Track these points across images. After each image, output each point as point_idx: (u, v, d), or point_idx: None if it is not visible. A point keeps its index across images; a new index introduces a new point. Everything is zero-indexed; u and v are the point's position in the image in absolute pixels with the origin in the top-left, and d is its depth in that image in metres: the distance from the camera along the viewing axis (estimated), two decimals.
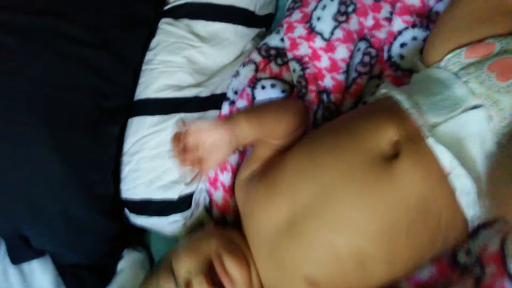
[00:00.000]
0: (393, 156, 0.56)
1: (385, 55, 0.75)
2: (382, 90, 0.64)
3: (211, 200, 0.79)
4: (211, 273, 0.63)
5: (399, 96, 0.59)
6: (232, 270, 0.63)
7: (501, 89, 0.54)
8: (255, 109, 0.72)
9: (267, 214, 0.63)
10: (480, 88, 0.56)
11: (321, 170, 0.59)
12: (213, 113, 0.81)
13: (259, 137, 0.67)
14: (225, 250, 0.64)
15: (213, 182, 0.78)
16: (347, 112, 0.70)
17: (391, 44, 0.75)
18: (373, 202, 0.56)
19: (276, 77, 0.80)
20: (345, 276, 0.58)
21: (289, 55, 0.79)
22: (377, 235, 0.56)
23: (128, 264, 0.83)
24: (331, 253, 0.57)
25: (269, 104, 0.73)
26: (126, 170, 0.80)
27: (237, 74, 0.82)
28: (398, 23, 0.74)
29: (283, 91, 0.80)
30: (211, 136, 0.59)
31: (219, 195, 0.77)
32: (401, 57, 0.74)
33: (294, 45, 0.78)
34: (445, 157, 0.55)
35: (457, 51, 0.60)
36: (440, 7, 0.74)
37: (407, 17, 0.74)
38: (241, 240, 0.67)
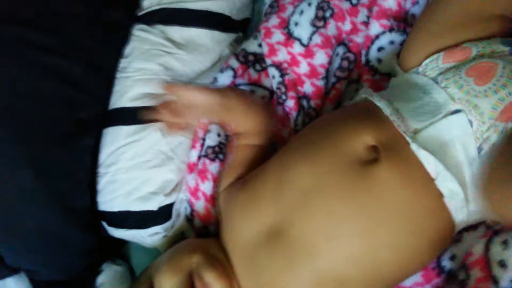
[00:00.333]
0: (371, 161, 0.56)
1: (363, 59, 0.75)
2: (362, 96, 0.64)
3: (192, 211, 0.77)
4: None
5: (380, 103, 0.59)
6: (215, 284, 0.62)
7: (479, 94, 0.55)
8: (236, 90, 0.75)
9: (247, 224, 0.63)
10: (459, 93, 0.56)
11: (299, 180, 0.59)
12: None
13: (238, 117, 0.70)
14: (205, 265, 0.64)
15: (194, 192, 0.76)
16: (325, 115, 0.69)
17: (368, 48, 0.75)
18: (351, 210, 0.55)
19: (255, 83, 0.79)
20: None
21: (268, 61, 0.78)
22: (358, 250, 0.55)
23: (107, 278, 0.81)
24: (309, 273, 0.57)
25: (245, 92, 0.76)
26: (103, 182, 0.78)
27: (214, 80, 0.81)
28: (375, 27, 0.74)
29: (262, 97, 0.80)
30: (198, 97, 0.65)
31: (200, 205, 0.76)
32: (379, 61, 0.75)
33: (273, 51, 0.77)
34: (429, 162, 0.55)
35: (435, 55, 0.61)
36: (416, 10, 0.74)
37: (384, 21, 0.74)
38: (222, 252, 0.66)
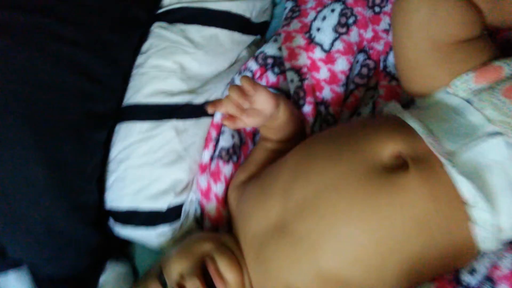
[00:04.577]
0: (397, 169, 0.55)
1: (381, 65, 0.75)
2: (390, 111, 0.63)
3: (203, 212, 0.76)
4: (204, 276, 0.62)
5: (412, 122, 0.57)
6: (226, 272, 0.62)
7: None
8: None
9: (258, 215, 0.62)
10: (496, 115, 0.55)
11: (315, 176, 0.58)
12: (206, 120, 0.79)
13: (279, 127, 0.69)
14: (218, 252, 0.63)
15: (206, 193, 0.75)
16: (348, 122, 0.68)
17: (387, 54, 0.75)
18: (366, 214, 0.54)
19: (273, 87, 0.78)
20: None
21: (287, 64, 0.77)
22: (365, 254, 0.54)
23: (111, 277, 0.80)
24: (314, 270, 0.56)
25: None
26: (112, 178, 0.77)
27: (232, 82, 0.80)
28: None
29: None
30: (264, 100, 0.63)
31: (212, 207, 0.75)
32: None
33: (293, 55, 0.77)
34: (466, 189, 0.53)
35: (464, 76, 0.59)
36: None
37: None
38: (234, 243, 0.66)
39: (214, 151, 0.77)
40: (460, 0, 0.60)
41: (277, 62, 0.79)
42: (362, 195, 0.55)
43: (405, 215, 0.53)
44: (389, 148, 0.56)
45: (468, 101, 0.58)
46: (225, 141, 0.76)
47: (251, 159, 0.73)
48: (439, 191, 0.54)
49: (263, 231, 0.61)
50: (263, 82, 0.79)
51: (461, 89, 0.59)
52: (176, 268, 0.63)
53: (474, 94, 0.58)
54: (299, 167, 0.61)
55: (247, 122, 0.63)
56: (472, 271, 0.58)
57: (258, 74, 0.79)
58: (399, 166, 0.55)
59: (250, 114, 0.62)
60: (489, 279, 0.54)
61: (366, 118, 0.68)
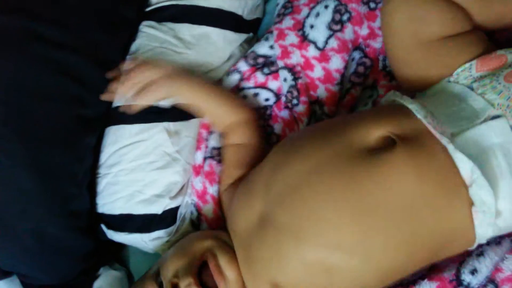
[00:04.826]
0: (382, 150, 0.54)
1: (380, 64, 0.74)
2: (390, 98, 0.62)
3: (199, 214, 0.75)
4: (200, 275, 0.61)
5: (411, 105, 0.57)
6: (226, 269, 0.62)
7: None
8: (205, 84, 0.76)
9: (244, 214, 0.62)
10: (498, 99, 0.54)
11: (296, 164, 0.58)
12: (197, 121, 0.77)
13: (198, 104, 0.73)
14: (219, 248, 0.63)
15: (202, 196, 0.74)
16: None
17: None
18: (349, 197, 0.53)
19: (261, 86, 0.77)
20: (313, 285, 0.56)
21: (280, 63, 0.76)
22: (349, 239, 0.53)
23: (105, 283, 0.79)
24: (299, 261, 0.55)
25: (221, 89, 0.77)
26: (104, 183, 0.75)
27: (220, 82, 0.78)
28: None
29: (266, 100, 0.78)
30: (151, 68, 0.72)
31: (209, 209, 0.74)
32: None
33: (286, 53, 0.75)
34: (465, 168, 0.52)
35: (467, 65, 0.59)
36: None
37: None
38: (231, 242, 0.65)
39: (206, 151, 0.75)
40: (439, 0, 0.61)
41: (268, 61, 0.78)
42: (344, 176, 0.54)
43: (391, 195, 0.52)
44: (377, 131, 0.55)
45: (470, 88, 0.58)
46: (215, 141, 0.75)
47: (227, 162, 0.73)
48: (431, 171, 0.53)
49: (249, 230, 0.60)
50: (251, 82, 0.77)
51: (462, 76, 0.59)
52: (172, 268, 0.62)
53: (475, 81, 0.58)
54: (280, 158, 0.61)
55: (155, 95, 0.71)
56: (474, 271, 0.57)
57: (247, 75, 0.77)
58: (387, 147, 0.54)
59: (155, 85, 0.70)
60: (491, 281, 0.54)
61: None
